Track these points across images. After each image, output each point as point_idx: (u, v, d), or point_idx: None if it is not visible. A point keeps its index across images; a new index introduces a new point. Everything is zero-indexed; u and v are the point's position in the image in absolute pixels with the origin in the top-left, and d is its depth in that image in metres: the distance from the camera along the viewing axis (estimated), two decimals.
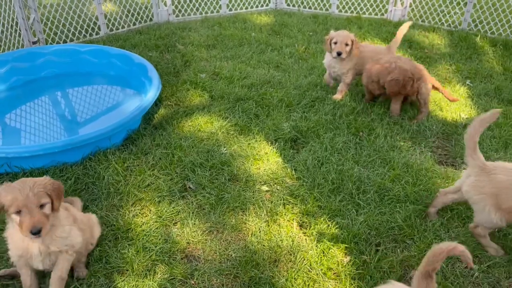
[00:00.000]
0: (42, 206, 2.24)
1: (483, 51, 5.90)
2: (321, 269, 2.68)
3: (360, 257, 2.75)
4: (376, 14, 7.13)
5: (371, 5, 7.18)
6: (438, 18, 6.74)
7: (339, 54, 4.42)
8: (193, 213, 3.13)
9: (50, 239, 2.34)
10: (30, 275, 2.44)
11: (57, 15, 5.86)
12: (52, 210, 2.30)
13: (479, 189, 2.67)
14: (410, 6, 6.91)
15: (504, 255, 2.76)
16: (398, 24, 6.74)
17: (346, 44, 4.43)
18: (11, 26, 5.23)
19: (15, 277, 2.60)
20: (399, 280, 2.60)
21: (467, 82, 5.06)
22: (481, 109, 4.47)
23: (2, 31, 5.08)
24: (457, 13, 6.77)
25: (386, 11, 7.07)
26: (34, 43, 5.50)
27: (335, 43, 4.44)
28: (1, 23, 5.06)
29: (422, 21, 6.83)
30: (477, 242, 2.83)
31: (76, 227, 2.49)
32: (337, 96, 4.63)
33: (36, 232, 2.18)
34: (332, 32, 4.54)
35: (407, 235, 2.91)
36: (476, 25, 6.48)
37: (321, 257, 2.75)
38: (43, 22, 5.74)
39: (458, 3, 6.65)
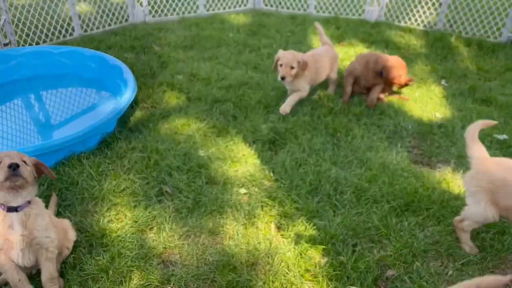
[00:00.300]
0: (24, 162, 2.28)
1: (458, 51, 6.01)
2: (299, 271, 2.67)
3: (337, 257, 2.75)
4: (354, 15, 7.19)
5: (348, 6, 7.24)
6: (414, 19, 6.83)
7: (283, 78, 4.15)
8: (169, 217, 3.08)
9: (33, 224, 2.29)
10: (15, 269, 2.35)
11: (29, 16, 5.71)
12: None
13: (476, 181, 2.67)
14: (387, 6, 6.99)
15: (478, 253, 2.81)
16: (376, 24, 6.84)
17: (292, 67, 4.14)
18: None
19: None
20: (375, 279, 2.62)
21: (442, 82, 5.14)
22: (455, 108, 4.55)
23: None
24: (432, 13, 6.88)
25: (363, 11, 7.14)
26: (5, 45, 5.34)
27: (281, 65, 4.16)
28: None
29: (398, 22, 6.92)
30: (451, 241, 2.87)
31: (51, 223, 2.45)
32: (286, 109, 4.22)
33: (14, 166, 2.16)
34: (280, 52, 4.26)
35: (383, 235, 2.93)
36: (451, 25, 6.60)
37: (298, 259, 2.74)
38: (15, 23, 5.59)
39: (433, 4, 6.75)
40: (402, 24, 6.88)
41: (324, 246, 2.82)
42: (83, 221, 3.01)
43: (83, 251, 2.78)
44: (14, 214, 2.26)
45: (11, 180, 2.19)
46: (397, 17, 6.95)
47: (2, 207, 2.25)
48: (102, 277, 2.62)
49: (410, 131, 4.13)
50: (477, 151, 2.72)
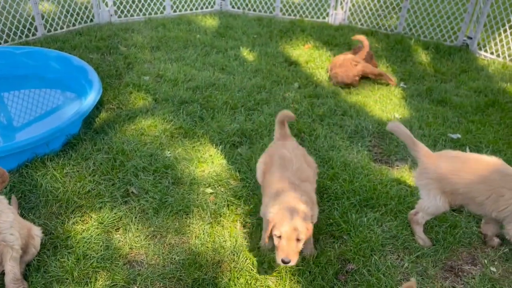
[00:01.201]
0: None
1: (417, 54, 6.27)
2: (263, 267, 2.76)
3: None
4: (318, 18, 7.37)
5: (313, 9, 7.40)
6: (376, 22, 7.07)
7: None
8: (135, 218, 3.11)
9: None
10: None
11: None
12: None
13: (425, 175, 2.88)
14: (350, 10, 7.20)
15: (431, 246, 2.98)
16: (339, 28, 7.02)
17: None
18: None
19: None
20: (336, 274, 2.74)
21: (401, 84, 5.36)
22: (413, 109, 4.77)
23: None
24: (393, 17, 7.14)
25: (327, 14, 7.32)
26: None
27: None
28: None
29: (361, 25, 7.14)
30: (407, 235, 3.04)
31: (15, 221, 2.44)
32: None
33: None
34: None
35: (343, 231, 3.06)
36: (410, 29, 6.87)
37: (263, 256, 2.83)
38: None
39: (394, 8, 7.02)
40: (365, 27, 7.10)
41: None
42: (48, 224, 2.99)
43: (48, 253, 2.77)
44: None
45: None
46: (359, 20, 7.16)
47: None
48: (67, 279, 2.62)
49: (371, 131, 4.30)
50: (420, 148, 2.92)
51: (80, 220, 3.06)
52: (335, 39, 6.57)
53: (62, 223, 3.01)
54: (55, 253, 2.78)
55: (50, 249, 2.80)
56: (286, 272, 2.73)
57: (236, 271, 2.73)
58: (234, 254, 2.86)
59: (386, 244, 2.98)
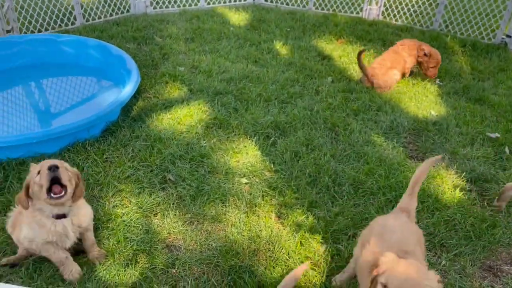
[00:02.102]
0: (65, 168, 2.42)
1: (453, 51, 6.14)
2: (299, 258, 2.78)
3: (335, 246, 2.87)
4: (352, 12, 7.29)
5: (347, 3, 7.33)
6: (411, 18, 6.95)
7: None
8: (173, 204, 3.18)
9: (78, 219, 2.52)
10: (60, 250, 2.52)
11: (32, 4, 5.73)
12: (73, 197, 2.46)
13: None
14: (384, 5, 7.10)
15: None
16: (373, 23, 6.93)
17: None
18: None
19: (16, 265, 2.64)
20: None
21: (437, 81, 5.27)
22: (450, 107, 4.68)
23: None
24: (429, 13, 7.00)
25: (361, 9, 7.24)
26: (8, 31, 5.36)
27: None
28: None
29: (395, 21, 7.03)
30: (444, 233, 3.00)
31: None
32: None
33: (53, 168, 2.31)
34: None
35: None
36: (446, 26, 6.73)
37: (298, 247, 2.85)
38: (17, 10, 5.61)
39: (430, 4, 6.88)
40: (399, 23, 6.99)
41: (323, 235, 2.94)
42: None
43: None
44: (63, 220, 2.46)
45: (54, 193, 2.36)
46: (394, 16, 7.05)
47: (52, 215, 2.43)
48: (108, 260, 2.71)
49: (406, 127, 4.25)
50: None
51: (120, 204, 3.15)
52: (369, 34, 6.49)
53: (103, 206, 3.10)
54: (97, 234, 2.87)
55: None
56: (321, 263, 2.75)
57: (272, 261, 2.76)
58: (269, 244, 2.89)
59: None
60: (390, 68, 5.03)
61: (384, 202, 3.23)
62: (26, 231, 2.45)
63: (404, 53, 5.16)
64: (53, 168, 2.32)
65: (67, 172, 2.41)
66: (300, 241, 2.90)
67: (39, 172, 2.35)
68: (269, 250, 2.85)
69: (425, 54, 5.13)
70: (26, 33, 5.64)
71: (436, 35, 6.53)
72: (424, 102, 4.77)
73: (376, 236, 2.20)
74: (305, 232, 2.96)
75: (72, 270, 2.56)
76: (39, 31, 5.77)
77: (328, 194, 3.32)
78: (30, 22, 5.74)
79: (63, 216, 2.45)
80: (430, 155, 3.90)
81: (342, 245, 2.88)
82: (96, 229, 2.91)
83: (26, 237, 2.46)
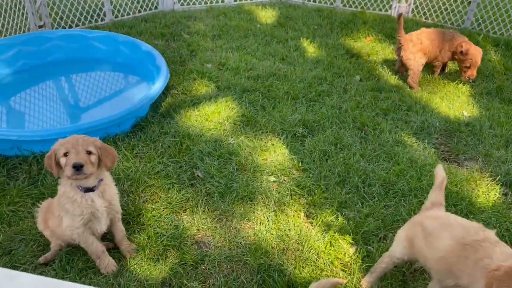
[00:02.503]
0: (89, 152, 2.36)
1: (486, 51, 5.96)
2: (328, 259, 2.75)
3: (366, 248, 2.83)
4: (380, 10, 7.17)
5: (376, 1, 7.22)
6: (441, 16, 6.79)
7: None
8: (202, 200, 3.19)
9: (109, 196, 2.54)
10: (98, 241, 2.59)
11: (64, 0, 5.84)
12: (99, 166, 2.43)
13: None
14: (414, 3, 6.96)
15: None
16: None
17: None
18: (18, 9, 5.21)
19: (50, 261, 2.68)
20: (403, 271, 2.68)
21: (469, 81, 5.13)
22: (483, 107, 4.56)
23: (10, 14, 5.06)
24: (461, 11, 6.83)
25: (390, 7, 7.11)
26: (40, 27, 5.48)
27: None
28: (9, 6, 5.04)
29: (425, 19, 6.89)
30: None
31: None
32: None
33: (78, 167, 2.26)
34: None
35: None
36: (479, 24, 6.55)
37: (328, 247, 2.82)
38: (49, 6, 5.72)
39: (462, 2, 6.71)
40: (429, 21, 6.84)
41: (353, 236, 2.90)
42: (120, 200, 3.12)
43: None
44: (91, 193, 2.45)
45: (76, 177, 2.33)
46: (424, 14, 6.91)
47: (80, 188, 2.42)
48: (139, 255, 2.73)
49: (438, 128, 4.15)
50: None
51: (150, 199, 3.17)
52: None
53: (133, 201, 3.13)
54: (128, 229, 2.90)
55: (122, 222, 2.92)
56: (351, 265, 2.72)
57: (301, 260, 2.74)
58: (298, 243, 2.87)
59: None
60: (422, 49, 4.93)
61: (416, 204, 3.16)
62: (66, 220, 2.48)
63: (446, 44, 5.01)
64: (78, 167, 2.28)
65: (92, 159, 2.36)
66: (330, 242, 2.86)
67: (65, 154, 2.31)
68: (298, 250, 2.83)
69: (461, 52, 4.94)
70: (57, 28, 5.75)
71: (468, 33, 6.34)
72: (456, 102, 4.66)
73: (444, 230, 2.20)
74: (334, 233, 2.93)
75: (107, 263, 2.60)
76: (70, 27, 5.88)
77: (358, 195, 3.27)
78: (61, 18, 5.85)
79: (91, 190, 2.44)
80: (462, 157, 3.81)
81: (372, 247, 2.83)
82: (126, 223, 2.95)
83: (68, 226, 2.48)
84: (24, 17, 5.32)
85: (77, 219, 2.45)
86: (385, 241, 2.90)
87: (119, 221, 2.71)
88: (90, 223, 2.51)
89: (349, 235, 2.91)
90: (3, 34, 4.98)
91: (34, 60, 4.91)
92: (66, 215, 2.48)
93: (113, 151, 2.52)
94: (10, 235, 2.79)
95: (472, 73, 4.98)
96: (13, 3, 5.10)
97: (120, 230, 2.73)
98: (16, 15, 5.16)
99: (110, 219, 2.64)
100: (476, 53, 4.92)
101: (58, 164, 2.35)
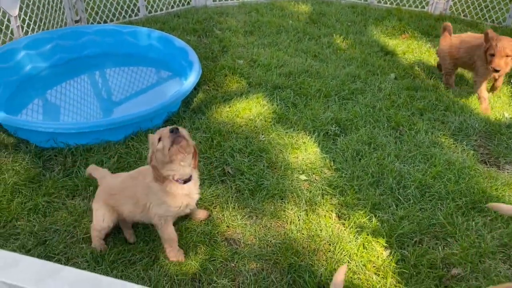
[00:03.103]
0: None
1: None
2: (361, 261, 2.68)
3: (400, 251, 2.74)
4: (417, 7, 6.96)
5: None
6: (481, 14, 6.53)
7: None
8: (232, 197, 3.16)
9: (197, 184, 2.69)
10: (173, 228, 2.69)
11: None
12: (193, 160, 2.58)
13: None
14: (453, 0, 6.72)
15: None
16: (440, 17, 6.59)
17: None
18: (56, 4, 5.33)
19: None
20: (440, 278, 2.58)
21: (511, 81, 4.91)
22: None
23: (48, 9, 5.18)
24: (502, 9, 6.54)
25: (427, 3, 6.89)
26: (76, 21, 5.59)
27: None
28: (47, 0, 5.16)
29: (464, 16, 6.64)
30: None
31: None
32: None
33: (175, 131, 2.37)
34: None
35: (448, 233, 2.87)
36: None
37: (361, 250, 2.75)
38: (85, 1, 5.82)
39: None
40: (468, 19, 6.59)
41: (387, 239, 2.81)
42: None
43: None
44: (190, 183, 2.58)
45: (176, 142, 2.36)
46: (463, 11, 6.66)
47: (179, 181, 2.53)
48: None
49: (477, 129, 3.99)
50: None
51: None
52: (435, 29, 6.17)
53: None
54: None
55: None
56: (385, 268, 2.63)
57: (333, 262, 2.68)
58: (330, 244, 2.81)
59: (496, 252, 2.75)
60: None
61: (453, 208, 3.04)
62: (158, 209, 2.57)
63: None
64: (175, 130, 2.37)
65: (187, 132, 2.50)
66: (363, 244, 2.79)
67: (159, 139, 2.40)
68: (329, 251, 2.76)
69: (486, 35, 4.15)
70: (92, 23, 5.85)
71: (509, 32, 6.09)
72: (497, 103, 4.46)
73: None
74: (367, 235, 2.84)
75: (178, 250, 2.69)
76: (105, 22, 5.97)
77: (392, 197, 3.17)
78: (96, 13, 5.96)
79: (188, 180, 2.56)
80: (503, 160, 3.64)
81: (407, 251, 2.74)
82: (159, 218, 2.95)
83: (157, 214, 2.57)
84: (61, 11, 5.43)
85: (172, 209, 2.56)
86: (420, 245, 2.80)
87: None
88: (179, 213, 2.66)
89: (383, 238, 2.82)
90: (41, 28, 5.10)
91: (70, 54, 5.01)
92: (161, 205, 2.55)
93: (195, 149, 2.61)
94: (45, 225, 2.85)
95: (497, 62, 4.04)
96: None
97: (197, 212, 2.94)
98: (53, 9, 5.28)
99: None
100: (502, 39, 4.08)
101: (154, 152, 2.44)
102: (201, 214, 2.98)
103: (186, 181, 2.56)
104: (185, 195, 2.57)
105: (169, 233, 2.64)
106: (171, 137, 2.36)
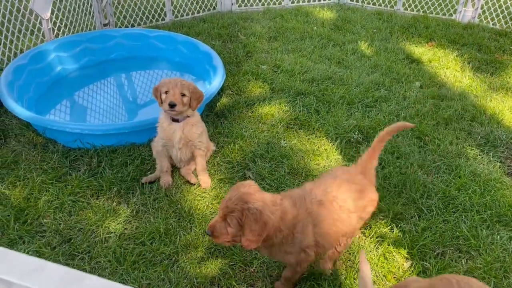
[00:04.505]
0: (183, 95, 3.04)
1: None
2: (381, 272, 2.65)
3: (422, 263, 2.70)
4: (444, 14, 6.86)
5: (439, 4, 6.92)
6: (511, 22, 6.38)
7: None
8: None
9: (188, 131, 3.16)
10: (167, 163, 3.31)
11: None
12: (190, 106, 3.11)
13: None
14: (482, 7, 6.59)
15: None
16: (468, 26, 6.47)
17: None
18: (86, 8, 5.47)
19: (152, 182, 3.31)
20: None
21: None
22: None
23: (78, 12, 5.33)
24: None
25: (455, 11, 6.79)
26: (105, 25, 5.72)
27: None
28: (77, 4, 5.30)
29: (493, 24, 6.50)
30: None
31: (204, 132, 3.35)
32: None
33: (172, 105, 2.98)
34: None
35: (472, 246, 2.81)
36: None
37: (381, 260, 2.72)
38: (114, 5, 5.96)
39: None
40: (498, 27, 6.45)
41: (408, 250, 2.77)
42: (172, 196, 3.18)
43: (173, 223, 2.94)
44: (176, 123, 3.15)
45: (169, 112, 3.07)
46: (492, 19, 6.52)
47: (170, 118, 3.15)
48: (189, 252, 2.76)
49: (504, 141, 3.89)
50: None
51: (200, 196, 3.21)
52: (463, 38, 6.06)
53: (185, 198, 3.18)
54: (179, 224, 2.94)
55: (175, 220, 2.97)
56: (405, 278, 2.59)
57: (353, 271, 2.65)
58: (350, 253, 2.79)
59: None
60: None
61: (478, 221, 2.97)
62: (156, 137, 3.29)
63: None
64: (172, 105, 2.98)
65: (185, 100, 3.04)
66: (384, 254, 2.76)
67: (166, 92, 3.02)
68: (349, 260, 2.74)
69: None
70: (120, 27, 5.98)
71: None
72: None
73: None
74: (389, 245, 2.81)
75: (165, 179, 3.27)
76: (132, 25, 6.10)
77: (415, 207, 3.13)
78: (124, 17, 6.09)
79: (176, 120, 3.14)
80: None
81: (429, 263, 2.69)
82: (178, 219, 3.00)
83: (154, 141, 3.32)
84: (91, 15, 5.58)
85: (160, 139, 3.21)
86: (443, 257, 2.75)
87: (200, 156, 3.28)
88: (168, 147, 3.23)
89: (404, 248, 2.79)
90: (71, 31, 5.24)
91: (98, 56, 5.13)
92: (157, 134, 3.24)
93: (201, 95, 3.16)
94: (70, 224, 2.92)
95: None
96: (82, 2, 5.36)
97: (199, 163, 3.31)
98: (83, 13, 5.42)
99: (192, 152, 3.27)
100: None
101: (160, 96, 3.07)
102: (202, 177, 3.32)
103: (174, 120, 3.12)
104: (169, 132, 3.13)
105: (160, 161, 3.29)
106: (168, 107, 3.00)
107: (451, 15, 6.81)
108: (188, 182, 3.35)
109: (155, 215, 3.02)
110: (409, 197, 3.21)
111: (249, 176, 3.42)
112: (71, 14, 5.22)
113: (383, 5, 7.26)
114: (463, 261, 2.73)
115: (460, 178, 3.37)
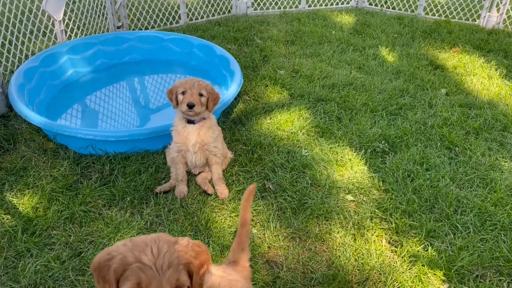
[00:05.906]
0: (201, 95, 2.91)
1: None
2: None
3: (460, 287, 2.47)
4: (467, 19, 6.63)
5: (462, 9, 6.68)
6: None
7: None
8: (273, 215, 2.98)
9: (204, 135, 3.02)
10: (183, 170, 3.14)
11: (142, 1, 5.93)
12: (206, 108, 2.98)
13: None
14: (507, 13, 6.35)
15: None
16: (492, 31, 6.23)
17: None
18: (100, 9, 5.34)
19: (167, 192, 3.14)
20: None
21: None
22: None
23: (91, 14, 5.19)
24: None
25: (478, 16, 6.55)
26: (118, 27, 5.59)
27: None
28: (91, 6, 5.17)
29: None
30: None
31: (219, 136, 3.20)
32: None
33: (190, 106, 2.85)
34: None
35: None
36: None
37: (416, 282, 2.50)
38: (128, 7, 5.83)
39: None
40: None
41: (444, 272, 2.55)
42: (189, 206, 2.99)
43: (190, 237, 2.74)
44: (191, 125, 3.00)
45: (188, 113, 2.92)
46: None
47: (185, 119, 3.01)
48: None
49: None
50: None
51: (218, 208, 3.02)
52: (488, 44, 5.83)
53: (200, 209, 2.99)
54: (196, 239, 2.74)
55: (191, 233, 2.78)
56: None
57: None
58: (381, 274, 2.57)
59: None
60: None
61: None
62: (171, 144, 3.15)
63: None
64: (191, 105, 2.85)
65: (203, 100, 2.92)
66: (418, 276, 2.54)
67: (183, 93, 2.90)
68: (380, 281, 2.53)
69: None
70: (134, 29, 5.84)
71: None
72: None
73: None
74: (423, 266, 2.59)
75: (181, 189, 3.10)
76: (146, 28, 5.95)
77: (449, 224, 2.90)
78: (138, 20, 5.95)
79: (192, 122, 2.99)
80: None
81: (468, 286, 2.47)
82: (195, 232, 2.81)
83: (170, 148, 3.20)
84: (104, 17, 5.44)
85: (174, 145, 3.07)
86: (483, 280, 2.52)
87: (216, 164, 3.12)
88: (183, 151, 3.07)
89: (440, 270, 2.56)
90: (84, 33, 5.11)
91: (111, 59, 4.98)
92: (172, 140, 3.10)
93: (218, 97, 3.02)
94: (81, 236, 2.75)
95: None
96: (95, 4, 5.23)
97: (215, 172, 3.14)
98: (97, 15, 5.29)
99: (207, 159, 3.12)
100: None
101: (176, 98, 2.94)
102: (219, 187, 3.15)
103: (190, 121, 2.99)
104: (184, 136, 2.99)
105: (176, 169, 3.12)
106: (186, 108, 2.86)
107: (474, 20, 6.58)
108: (204, 192, 3.16)
109: (170, 228, 2.83)
110: (441, 213, 2.99)
111: (269, 187, 3.23)
112: (84, 16, 5.09)
113: (403, 9, 7.04)
114: (505, 284, 2.50)
115: (496, 193, 3.14)
